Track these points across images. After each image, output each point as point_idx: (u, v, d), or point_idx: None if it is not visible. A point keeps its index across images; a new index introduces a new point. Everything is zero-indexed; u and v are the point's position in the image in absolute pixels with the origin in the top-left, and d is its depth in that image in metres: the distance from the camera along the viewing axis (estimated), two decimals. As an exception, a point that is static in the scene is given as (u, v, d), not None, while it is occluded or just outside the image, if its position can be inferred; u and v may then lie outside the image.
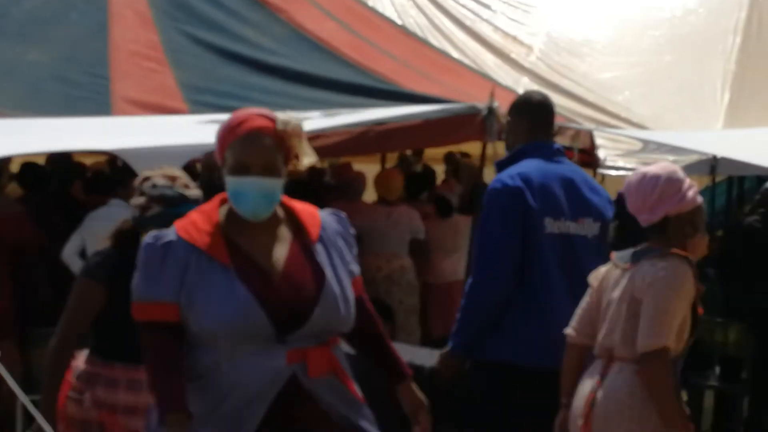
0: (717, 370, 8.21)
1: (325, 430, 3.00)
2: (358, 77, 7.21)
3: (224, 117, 6.70)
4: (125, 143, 5.86)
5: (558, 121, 8.49)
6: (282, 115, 3.07)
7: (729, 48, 12.04)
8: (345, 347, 3.32)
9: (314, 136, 6.41)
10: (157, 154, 5.61)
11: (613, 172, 11.04)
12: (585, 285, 4.23)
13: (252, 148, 3.02)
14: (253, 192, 3.02)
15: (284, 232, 3.12)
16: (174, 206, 3.85)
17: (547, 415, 4.23)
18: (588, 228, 4.41)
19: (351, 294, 3.12)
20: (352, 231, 3.23)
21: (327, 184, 9.52)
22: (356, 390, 3.09)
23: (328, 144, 6.49)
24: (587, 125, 9.39)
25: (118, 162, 9.99)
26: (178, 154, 5.51)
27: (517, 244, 4.29)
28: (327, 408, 3.00)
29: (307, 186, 9.05)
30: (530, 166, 4.38)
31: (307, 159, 3.09)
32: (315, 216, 3.17)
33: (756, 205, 8.40)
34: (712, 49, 12.07)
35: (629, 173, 10.85)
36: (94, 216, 6.70)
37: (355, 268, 3.19)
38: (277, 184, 3.05)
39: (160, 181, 3.98)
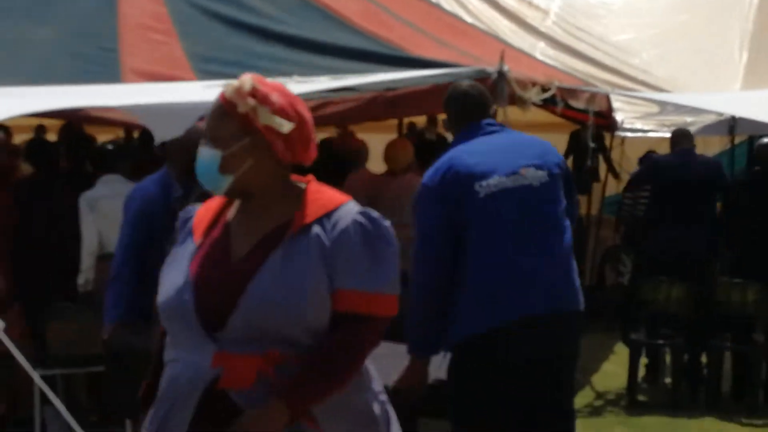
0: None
1: None
2: (366, 44, 7.14)
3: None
4: (135, 100, 5.88)
5: (574, 84, 8.49)
6: (240, 81, 2.64)
7: (746, 7, 11.89)
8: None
9: (323, 103, 6.42)
10: (168, 112, 5.71)
11: (631, 135, 10.98)
12: (543, 230, 4.27)
13: (206, 116, 2.71)
14: (197, 162, 2.70)
15: (276, 217, 2.69)
16: None
17: (537, 364, 4.22)
18: (532, 177, 4.33)
19: (312, 305, 2.58)
20: (384, 240, 2.68)
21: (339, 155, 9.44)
22: (312, 419, 2.59)
23: (338, 111, 6.45)
24: (603, 88, 9.29)
25: (133, 135, 10.07)
26: (189, 112, 5.51)
27: (444, 234, 4.24)
28: None
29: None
30: (455, 150, 4.39)
31: (284, 126, 2.62)
32: (324, 207, 2.69)
33: (754, 161, 8.33)
34: (728, 8, 11.94)
35: (647, 135, 10.96)
36: (93, 197, 6.65)
37: (349, 282, 2.62)
38: (213, 155, 2.63)
39: None
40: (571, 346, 4.34)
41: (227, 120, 2.63)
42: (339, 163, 7.72)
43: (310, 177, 2.78)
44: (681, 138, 8.44)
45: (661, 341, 8.18)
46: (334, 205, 2.69)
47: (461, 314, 4.24)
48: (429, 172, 4.36)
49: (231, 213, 2.77)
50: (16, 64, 7.35)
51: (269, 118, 2.61)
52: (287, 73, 6.82)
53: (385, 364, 4.45)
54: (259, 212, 2.69)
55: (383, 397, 2.74)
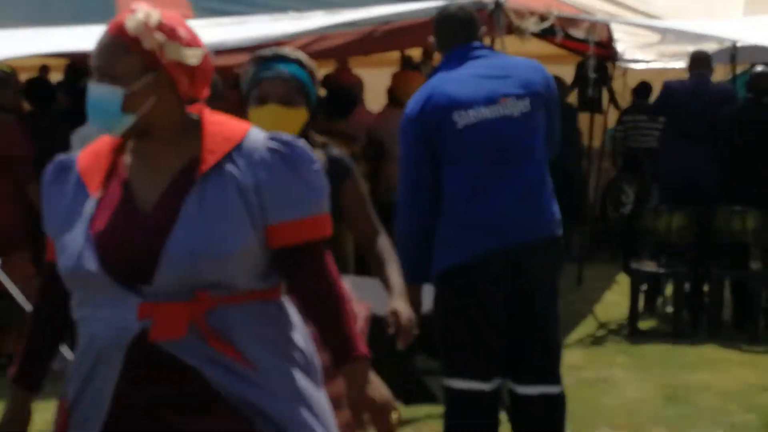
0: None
1: (200, 399, 2.43)
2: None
3: (228, 21, 6.70)
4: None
5: (573, 13, 8.44)
6: (143, 13, 2.41)
7: (748, -68, 11.76)
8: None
9: (319, 38, 6.40)
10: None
11: (632, 65, 10.93)
12: (519, 162, 4.25)
13: (95, 50, 2.45)
14: (89, 101, 2.46)
15: (180, 156, 2.49)
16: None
17: (520, 293, 4.28)
18: (513, 107, 4.26)
19: (239, 248, 2.40)
20: (304, 160, 2.51)
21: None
22: (248, 360, 2.44)
23: (334, 45, 6.41)
24: (602, 17, 9.22)
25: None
26: None
27: (423, 165, 4.26)
28: (209, 378, 2.41)
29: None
30: (438, 77, 4.37)
31: (195, 59, 2.45)
32: (230, 139, 2.49)
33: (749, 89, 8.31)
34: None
35: (649, 66, 10.90)
36: (85, 134, 6.61)
37: (283, 214, 2.46)
38: (113, 93, 2.41)
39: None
40: (548, 274, 4.38)
41: (128, 55, 2.41)
42: (344, 99, 7.70)
43: (199, 105, 2.56)
44: (697, 62, 8.40)
45: (662, 270, 8.23)
46: (239, 135, 2.51)
47: (440, 245, 4.30)
48: (411, 101, 4.36)
49: (126, 158, 2.54)
50: (13, 3, 7.33)
51: (178, 53, 2.43)
52: (283, 8, 6.81)
53: (381, 296, 4.53)
54: (159, 153, 2.49)
55: (306, 330, 2.62)
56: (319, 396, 2.56)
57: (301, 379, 2.52)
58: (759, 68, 8.15)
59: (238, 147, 2.48)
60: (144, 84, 2.43)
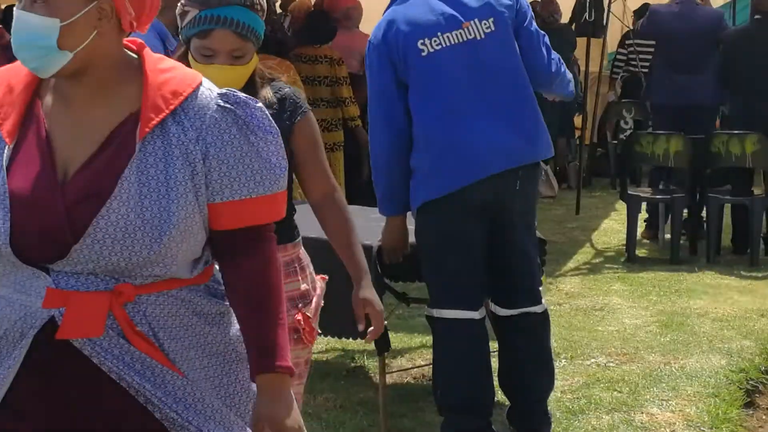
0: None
1: (115, 411, 2.07)
2: None
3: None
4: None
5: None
6: None
7: None
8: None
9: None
10: None
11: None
12: (490, 85, 4.13)
13: None
14: (15, 32, 2.05)
15: (116, 107, 2.08)
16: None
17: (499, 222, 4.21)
18: (476, 29, 4.13)
19: (180, 229, 2.04)
20: (260, 127, 2.13)
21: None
22: (176, 363, 2.09)
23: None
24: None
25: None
26: None
27: (390, 95, 4.11)
28: (117, 377, 2.05)
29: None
30: (398, 2, 4.19)
31: None
32: (176, 93, 2.09)
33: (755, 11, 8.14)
34: None
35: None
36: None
37: (230, 192, 2.09)
38: (48, 25, 1.99)
39: None
40: (528, 201, 4.31)
41: None
42: (322, 26, 7.57)
43: (137, 41, 2.16)
44: None
45: (659, 196, 8.12)
46: (187, 88, 2.09)
47: (418, 177, 4.18)
48: (374, 29, 4.20)
49: (47, 99, 2.11)
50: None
51: None
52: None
53: (374, 226, 4.44)
54: (89, 101, 2.07)
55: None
56: (247, 398, 2.20)
57: (232, 384, 2.18)
58: None
59: (185, 104, 2.08)
60: (85, 15, 2.01)
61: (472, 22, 4.16)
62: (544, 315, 4.38)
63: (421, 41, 4.11)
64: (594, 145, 11.38)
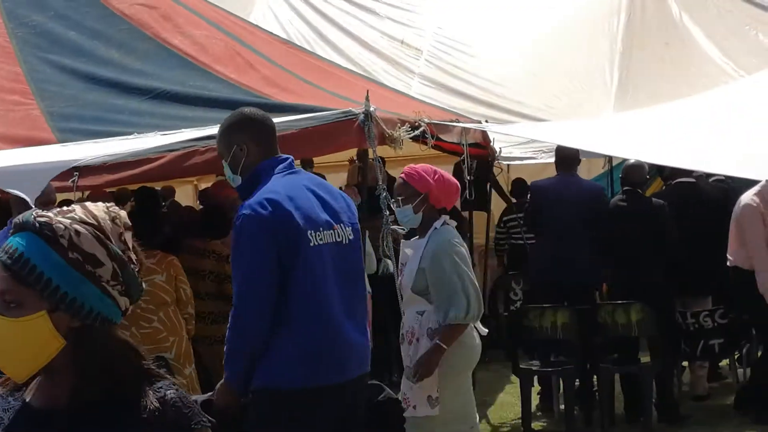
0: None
1: None
2: (229, 92, 7.00)
3: (92, 142, 6.53)
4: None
5: (445, 119, 8.47)
6: None
7: (614, 27, 12.09)
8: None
9: (187, 153, 6.24)
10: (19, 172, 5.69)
11: (509, 163, 11.03)
12: (351, 290, 4.27)
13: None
14: None
15: None
16: None
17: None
18: (342, 233, 4.27)
19: None
20: None
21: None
22: None
23: (203, 160, 6.25)
24: (473, 122, 9.31)
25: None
26: (40, 172, 5.50)
27: (273, 272, 4.07)
28: None
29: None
30: (276, 185, 4.18)
31: None
32: None
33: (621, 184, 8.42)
34: (597, 30, 12.12)
35: (527, 162, 11.00)
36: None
37: None
38: None
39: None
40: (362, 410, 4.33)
41: None
42: (218, 219, 7.59)
43: None
44: (563, 161, 8.48)
45: (550, 368, 8.16)
46: None
47: (278, 363, 4.11)
48: (254, 207, 4.09)
49: None
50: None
51: None
52: (149, 127, 6.67)
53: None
54: None
55: None
56: None
57: None
58: (631, 161, 8.25)
59: None
60: None
61: (341, 225, 4.28)
62: None
63: (311, 231, 4.14)
64: (485, 317, 11.43)
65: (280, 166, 4.28)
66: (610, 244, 8.12)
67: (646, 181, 8.59)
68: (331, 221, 4.24)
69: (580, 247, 8.17)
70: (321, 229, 4.18)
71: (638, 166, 8.14)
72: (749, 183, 7.79)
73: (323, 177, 12.01)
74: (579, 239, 8.18)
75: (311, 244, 4.14)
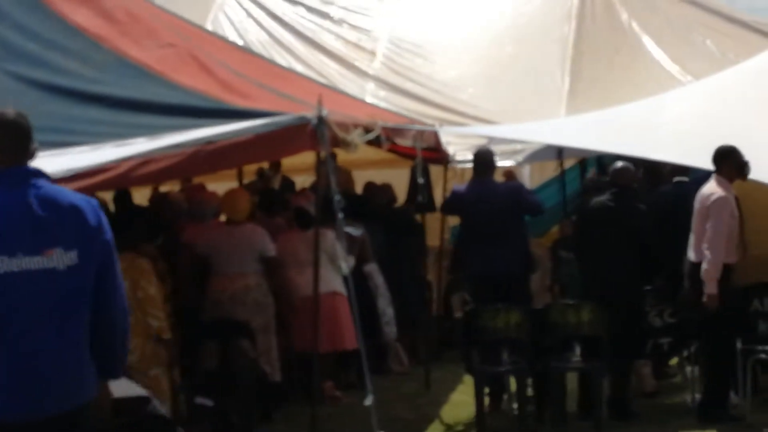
0: (577, 350, 8.32)
1: None
2: (184, 98, 7.04)
3: (47, 153, 6.57)
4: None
5: (399, 123, 8.61)
6: None
7: (566, 34, 12.29)
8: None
9: (144, 161, 6.33)
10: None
11: (463, 166, 11.19)
12: (63, 322, 3.81)
13: None
14: None
15: None
16: None
17: None
18: (59, 259, 3.80)
19: None
20: None
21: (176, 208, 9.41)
22: None
23: (159, 168, 6.33)
24: (428, 125, 9.47)
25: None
26: None
27: None
28: None
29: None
30: None
31: None
32: None
33: (609, 185, 8.60)
34: (549, 36, 12.32)
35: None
36: None
37: None
38: None
39: None
40: None
41: None
42: (148, 222, 7.79)
43: None
44: (480, 165, 8.97)
45: (503, 368, 8.31)
46: None
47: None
48: None
49: None
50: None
51: None
52: (106, 135, 6.72)
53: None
54: None
55: None
56: None
57: None
58: (619, 164, 8.45)
59: None
60: None
61: (56, 250, 3.82)
62: None
63: (2, 257, 3.76)
64: (441, 318, 11.60)
65: (8, 179, 3.83)
66: (586, 242, 8.47)
67: (635, 183, 8.75)
68: (45, 244, 3.79)
69: (503, 240, 8.67)
70: (20, 254, 3.76)
71: (625, 169, 8.41)
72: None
73: (292, 182, 12.46)
74: (501, 234, 8.68)
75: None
